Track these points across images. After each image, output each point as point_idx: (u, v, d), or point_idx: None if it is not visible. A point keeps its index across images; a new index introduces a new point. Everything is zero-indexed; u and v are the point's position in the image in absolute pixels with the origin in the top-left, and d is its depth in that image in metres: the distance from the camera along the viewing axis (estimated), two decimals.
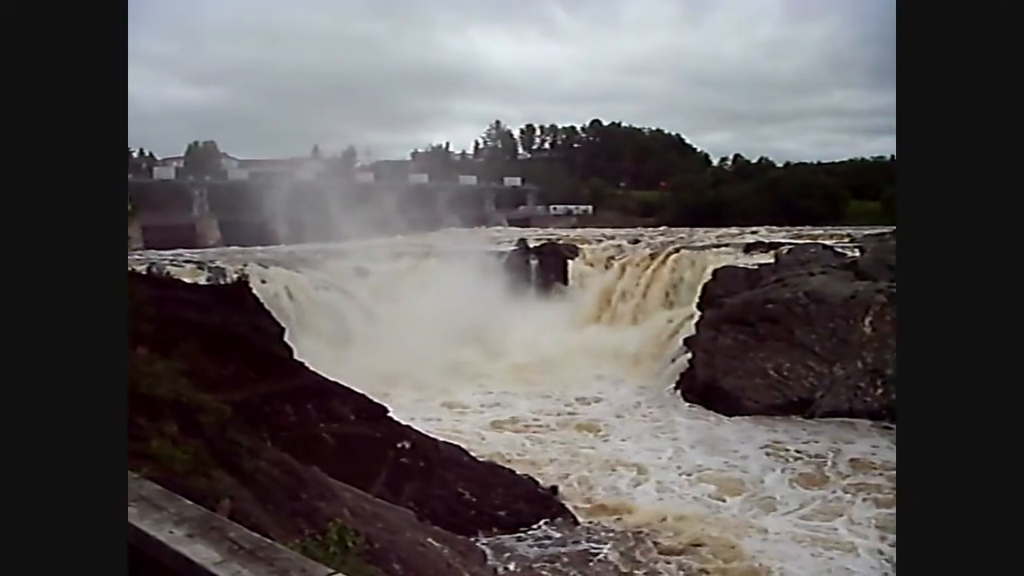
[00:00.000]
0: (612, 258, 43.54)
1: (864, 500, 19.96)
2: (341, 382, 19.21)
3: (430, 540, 13.29)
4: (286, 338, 19.93)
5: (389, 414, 19.33)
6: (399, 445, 18.45)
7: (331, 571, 3.84)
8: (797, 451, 24.10)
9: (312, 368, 19.16)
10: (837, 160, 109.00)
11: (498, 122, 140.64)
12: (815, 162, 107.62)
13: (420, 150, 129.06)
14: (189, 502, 4.56)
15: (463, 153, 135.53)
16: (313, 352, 24.39)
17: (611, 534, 17.98)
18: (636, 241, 48.18)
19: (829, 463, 22.88)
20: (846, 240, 43.37)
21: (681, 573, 16.32)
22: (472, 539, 16.30)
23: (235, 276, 27.62)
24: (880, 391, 27.44)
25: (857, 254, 35.84)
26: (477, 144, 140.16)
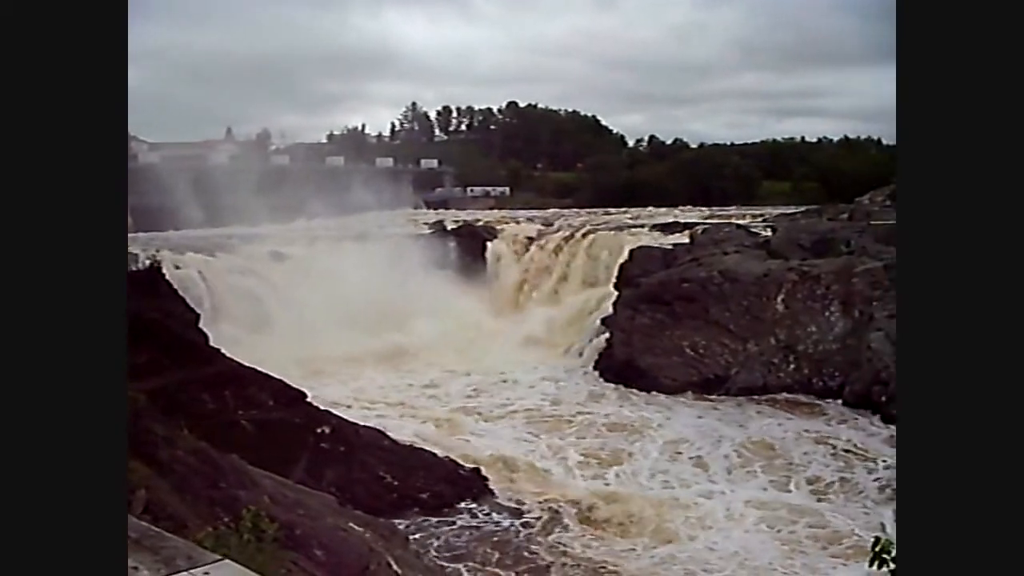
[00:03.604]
0: (530, 239, 43.66)
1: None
2: (259, 368, 19.00)
3: (352, 524, 13.24)
4: (201, 324, 19.61)
5: (308, 399, 19.18)
6: (319, 430, 18.34)
7: (218, 557, 3.81)
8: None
9: (229, 354, 18.90)
10: (749, 141, 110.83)
11: (414, 104, 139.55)
12: (728, 143, 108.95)
13: (336, 132, 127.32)
14: None
15: (379, 135, 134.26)
16: (230, 338, 24.05)
17: (532, 511, 18.15)
18: (553, 222, 48.34)
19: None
20: (759, 220, 44.16)
21: (602, 547, 16.58)
22: (395, 522, 16.29)
23: (147, 262, 27.05)
24: (793, 366, 28.14)
25: (769, 233, 36.59)
26: (393, 126, 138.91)
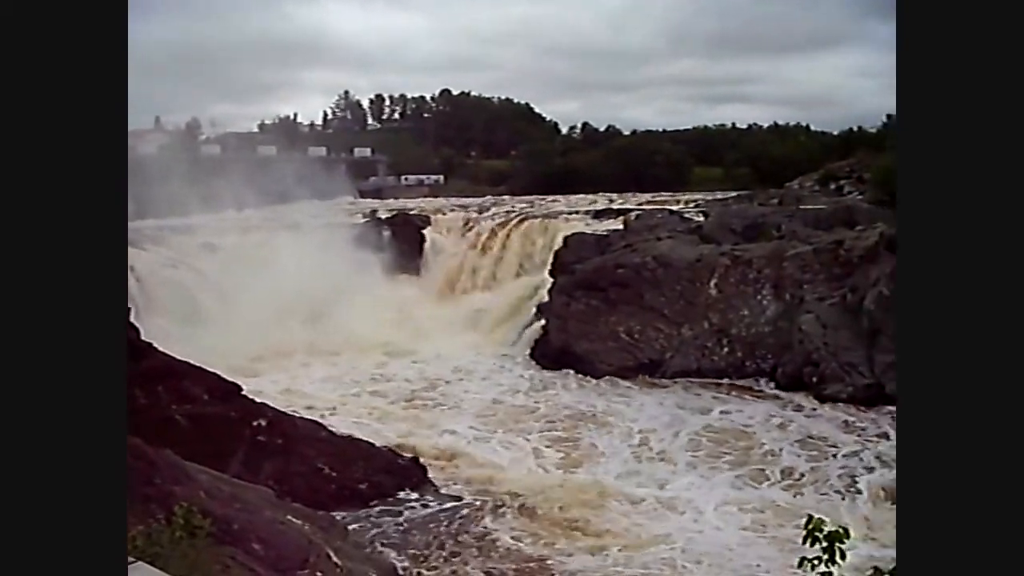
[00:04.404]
0: (465, 227, 43.58)
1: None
2: (192, 362, 18.74)
3: (290, 517, 13.17)
4: (133, 318, 19.27)
5: (243, 392, 18.97)
6: (255, 423, 18.17)
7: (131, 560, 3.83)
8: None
9: (162, 348, 18.61)
10: (682, 128, 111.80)
11: (347, 92, 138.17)
12: (661, 130, 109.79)
13: (268, 122, 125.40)
14: None
15: (312, 124, 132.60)
16: (161, 332, 23.68)
17: (472, 501, 18.20)
18: (488, 210, 48.30)
19: None
20: (691, 206, 44.58)
21: (540, 539, 16.65)
22: (333, 514, 16.22)
23: None
24: (726, 350, 28.54)
25: (702, 219, 37.00)
26: (326, 115, 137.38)
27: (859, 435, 22.01)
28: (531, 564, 15.52)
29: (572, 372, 28.88)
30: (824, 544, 5.04)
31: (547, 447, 22.05)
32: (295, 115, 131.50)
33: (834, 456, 20.60)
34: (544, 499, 18.09)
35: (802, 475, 19.57)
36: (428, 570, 15.32)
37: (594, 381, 28.20)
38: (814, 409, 24.36)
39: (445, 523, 17.16)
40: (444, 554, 15.92)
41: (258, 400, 19.44)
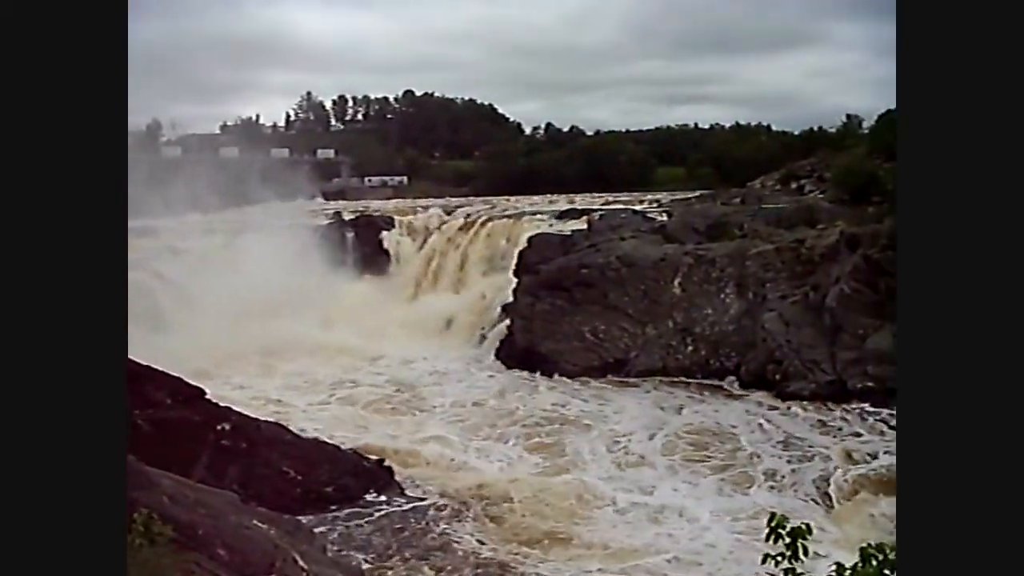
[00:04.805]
0: (430, 228, 43.52)
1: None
2: (155, 366, 18.55)
3: (256, 522, 13.06)
4: None
5: (207, 396, 18.81)
6: (219, 427, 18.02)
7: None
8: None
9: None
10: (644, 128, 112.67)
11: (309, 93, 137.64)
12: (623, 130, 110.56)
13: (230, 123, 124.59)
14: None
15: (274, 126, 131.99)
16: None
17: (437, 502, 18.17)
18: (453, 211, 48.22)
19: None
20: (654, 205, 44.80)
21: (510, 533, 16.67)
22: (299, 517, 16.12)
23: None
24: (690, 349, 28.69)
25: (665, 218, 37.22)
26: (288, 116, 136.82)
27: (835, 435, 21.98)
28: (492, 568, 15.44)
29: (536, 371, 28.92)
30: (787, 541, 5.09)
31: (523, 450, 22.01)
32: (257, 116, 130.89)
33: (812, 458, 20.42)
34: (511, 497, 18.11)
35: (783, 477, 19.48)
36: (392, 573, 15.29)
37: (567, 381, 28.22)
38: (788, 408, 24.42)
39: (409, 525, 17.13)
40: (407, 557, 15.88)
41: (222, 404, 19.28)
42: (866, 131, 52.52)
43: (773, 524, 5.16)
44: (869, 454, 20.24)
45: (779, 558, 5.07)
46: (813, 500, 18.29)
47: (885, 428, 21.96)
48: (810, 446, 21.26)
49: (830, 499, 18.14)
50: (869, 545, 4.81)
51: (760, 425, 23.05)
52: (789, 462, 20.26)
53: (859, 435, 21.81)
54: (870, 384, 24.04)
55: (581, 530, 16.96)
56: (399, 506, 18.01)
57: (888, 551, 4.65)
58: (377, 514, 17.63)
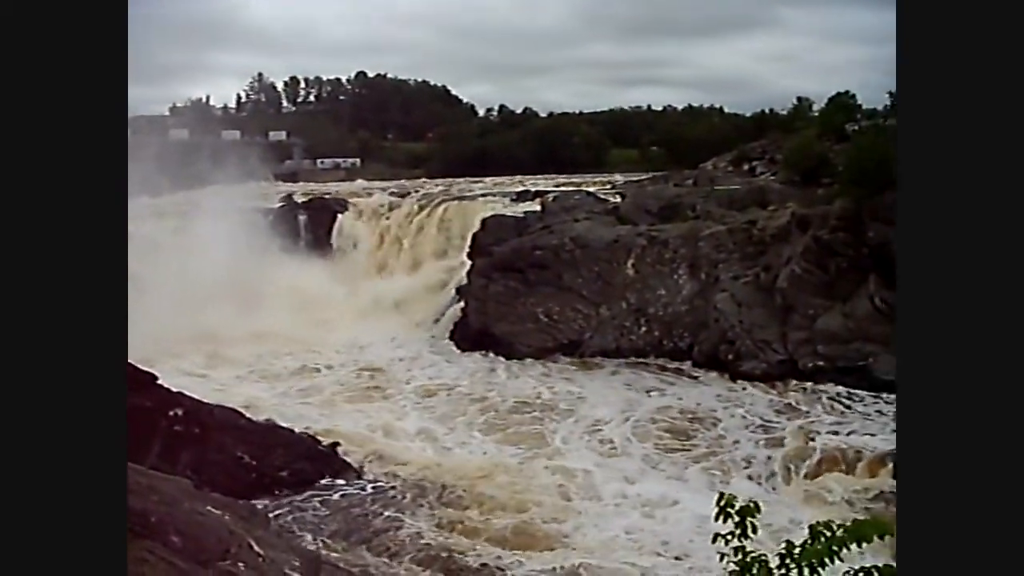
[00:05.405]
0: (383, 210, 43.24)
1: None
2: None
3: (210, 508, 12.95)
4: None
5: (159, 381, 18.60)
6: (171, 413, 17.84)
7: None
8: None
9: None
10: (597, 110, 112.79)
11: (260, 75, 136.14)
12: (577, 112, 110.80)
13: (179, 104, 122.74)
14: None
15: (225, 107, 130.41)
16: None
17: (394, 487, 18.17)
18: (406, 193, 47.89)
19: None
20: (608, 187, 44.83)
21: (465, 515, 16.72)
22: (254, 502, 16.03)
23: None
24: (644, 329, 28.88)
25: (618, 200, 37.28)
26: (240, 98, 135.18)
27: (804, 418, 21.95)
28: (445, 553, 15.31)
29: (491, 353, 29.03)
30: (736, 519, 5.15)
31: (477, 432, 22.08)
32: (207, 98, 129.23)
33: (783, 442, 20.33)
34: (469, 479, 18.23)
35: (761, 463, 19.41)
36: (345, 555, 15.25)
37: (527, 363, 28.33)
38: (744, 388, 24.62)
39: (364, 509, 17.12)
40: (360, 538, 15.86)
41: (174, 389, 19.09)
42: (816, 114, 52.91)
43: (722, 503, 5.21)
44: (826, 432, 20.42)
45: (729, 536, 5.12)
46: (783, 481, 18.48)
47: (838, 406, 22.27)
48: (782, 428, 21.27)
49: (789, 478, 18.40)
50: (818, 523, 4.88)
51: (734, 411, 22.99)
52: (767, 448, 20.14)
53: (808, 414, 22.02)
54: (820, 363, 24.40)
55: (536, 519, 16.92)
56: (354, 490, 17.99)
57: (836, 529, 4.74)
58: (331, 498, 17.61)
